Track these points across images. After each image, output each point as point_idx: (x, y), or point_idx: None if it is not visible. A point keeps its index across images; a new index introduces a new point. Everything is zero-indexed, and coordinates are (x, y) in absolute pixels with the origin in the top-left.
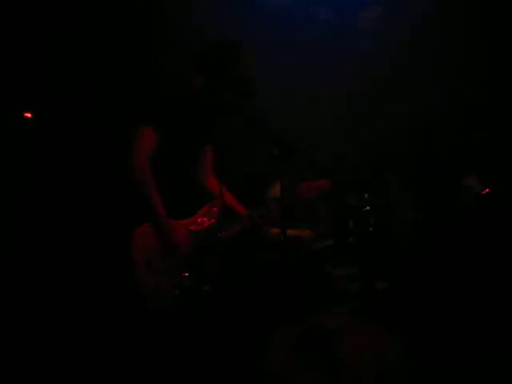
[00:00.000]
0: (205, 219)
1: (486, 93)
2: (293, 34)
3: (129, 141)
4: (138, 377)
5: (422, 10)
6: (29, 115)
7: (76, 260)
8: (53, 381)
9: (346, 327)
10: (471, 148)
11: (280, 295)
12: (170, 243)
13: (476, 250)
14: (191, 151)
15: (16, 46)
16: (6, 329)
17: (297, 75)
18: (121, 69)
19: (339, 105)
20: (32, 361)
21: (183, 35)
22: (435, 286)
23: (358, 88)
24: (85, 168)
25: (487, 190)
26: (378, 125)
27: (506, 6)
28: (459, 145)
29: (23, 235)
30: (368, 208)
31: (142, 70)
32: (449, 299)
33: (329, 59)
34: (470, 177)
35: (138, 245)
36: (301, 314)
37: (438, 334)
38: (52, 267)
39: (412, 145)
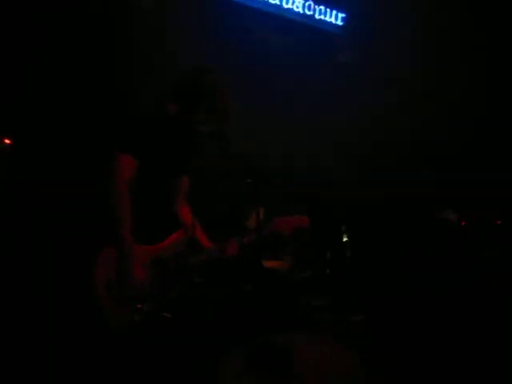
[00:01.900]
0: (172, 247)
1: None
2: (266, 63)
3: (107, 165)
4: None
5: None
6: (7, 141)
7: (38, 279)
8: None
9: (303, 343)
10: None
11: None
12: (133, 269)
13: (451, 280)
14: (166, 179)
15: None
16: None
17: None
18: (99, 94)
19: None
20: None
21: (159, 62)
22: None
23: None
24: (57, 189)
25: (463, 222)
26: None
27: None
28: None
29: None
30: (346, 239)
31: (119, 96)
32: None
33: (308, 88)
34: (446, 210)
35: (101, 268)
36: (258, 330)
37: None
38: (14, 286)
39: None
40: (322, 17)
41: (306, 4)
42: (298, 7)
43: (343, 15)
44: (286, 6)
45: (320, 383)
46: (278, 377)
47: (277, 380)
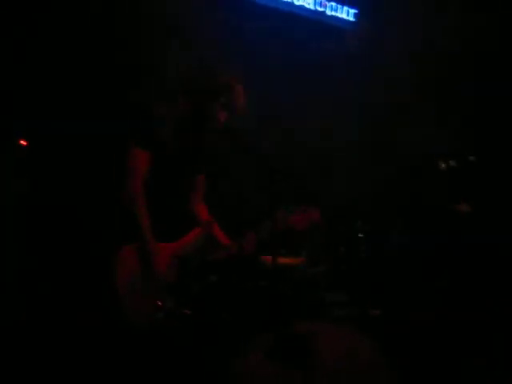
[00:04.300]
0: (192, 245)
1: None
2: (280, 58)
3: (122, 162)
4: None
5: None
6: (24, 143)
7: (58, 279)
8: None
9: (323, 331)
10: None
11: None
12: (154, 267)
13: (465, 275)
14: (180, 177)
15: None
16: None
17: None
18: (113, 91)
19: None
20: None
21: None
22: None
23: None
24: (73, 189)
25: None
26: (371, 152)
27: None
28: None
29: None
30: (361, 235)
31: (133, 93)
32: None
33: (319, 83)
34: (461, 202)
35: (122, 268)
36: (279, 320)
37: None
38: (36, 287)
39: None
40: (334, 13)
41: (317, 0)
42: (309, 4)
43: (355, 11)
44: (297, 3)
45: (339, 371)
46: (298, 363)
47: (297, 366)
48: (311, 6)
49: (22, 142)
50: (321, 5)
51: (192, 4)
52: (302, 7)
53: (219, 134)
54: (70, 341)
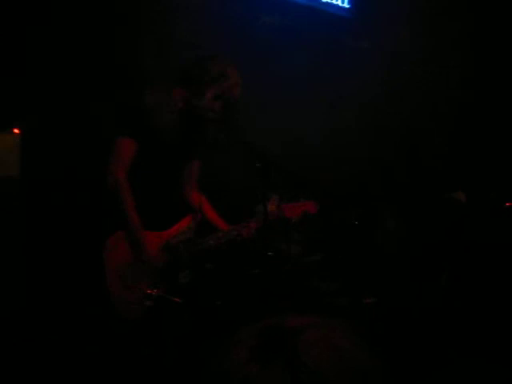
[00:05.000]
0: (181, 232)
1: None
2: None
3: (107, 151)
4: None
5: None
6: (16, 131)
7: (46, 269)
8: None
9: (311, 326)
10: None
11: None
12: (142, 255)
13: (461, 264)
14: (173, 164)
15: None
16: None
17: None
18: (102, 79)
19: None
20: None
21: (169, 47)
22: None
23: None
24: (61, 177)
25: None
26: (367, 139)
27: None
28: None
29: None
30: (356, 223)
31: (124, 81)
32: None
33: (316, 74)
34: (458, 191)
35: (110, 256)
36: (265, 313)
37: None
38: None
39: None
40: None
41: None
42: None
43: None
44: None
45: (327, 369)
46: (284, 360)
47: (282, 364)
48: None
49: (15, 130)
50: None
51: None
52: None
53: (213, 123)
54: (62, 329)
